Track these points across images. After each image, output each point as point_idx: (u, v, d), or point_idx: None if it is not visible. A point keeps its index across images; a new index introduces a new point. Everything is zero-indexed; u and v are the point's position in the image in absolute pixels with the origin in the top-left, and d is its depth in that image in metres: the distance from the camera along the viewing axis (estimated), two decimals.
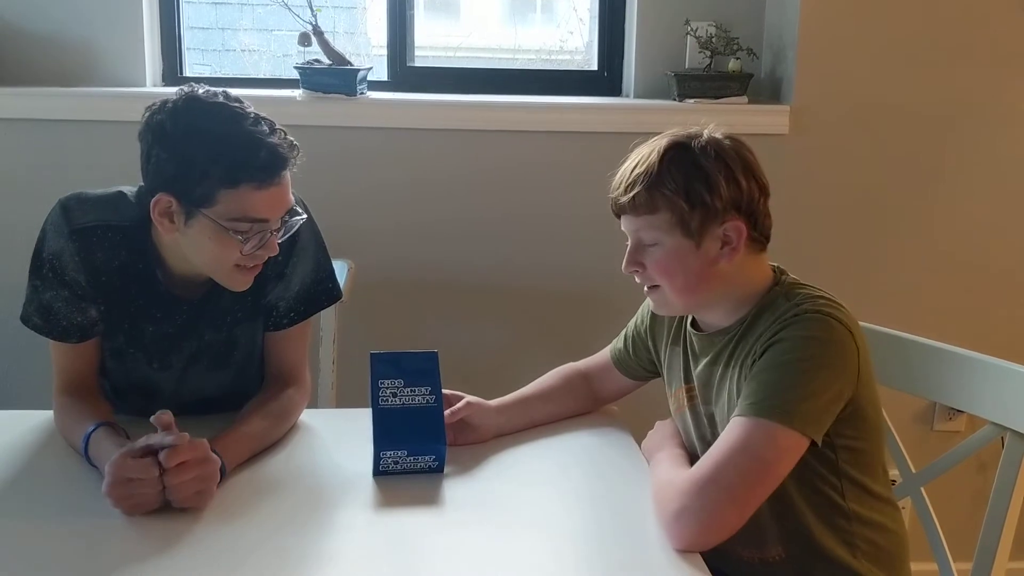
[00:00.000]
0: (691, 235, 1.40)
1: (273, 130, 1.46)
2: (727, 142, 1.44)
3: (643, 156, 1.44)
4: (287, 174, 1.49)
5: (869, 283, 2.43)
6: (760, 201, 1.44)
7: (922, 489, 1.68)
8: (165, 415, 1.36)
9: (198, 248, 1.49)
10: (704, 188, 1.39)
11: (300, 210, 1.55)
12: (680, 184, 1.39)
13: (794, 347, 1.35)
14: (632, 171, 1.43)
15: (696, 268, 1.42)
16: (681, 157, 1.41)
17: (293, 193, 1.56)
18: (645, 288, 1.49)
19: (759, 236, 1.45)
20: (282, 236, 1.53)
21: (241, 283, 1.54)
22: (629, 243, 1.47)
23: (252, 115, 1.46)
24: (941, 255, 2.47)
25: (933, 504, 1.66)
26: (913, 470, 1.69)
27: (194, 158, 1.42)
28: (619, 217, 1.48)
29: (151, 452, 1.34)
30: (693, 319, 1.54)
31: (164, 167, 1.45)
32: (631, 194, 1.42)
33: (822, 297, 1.42)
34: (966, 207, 2.45)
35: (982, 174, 2.43)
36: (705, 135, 1.44)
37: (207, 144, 1.42)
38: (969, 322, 2.43)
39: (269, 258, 1.56)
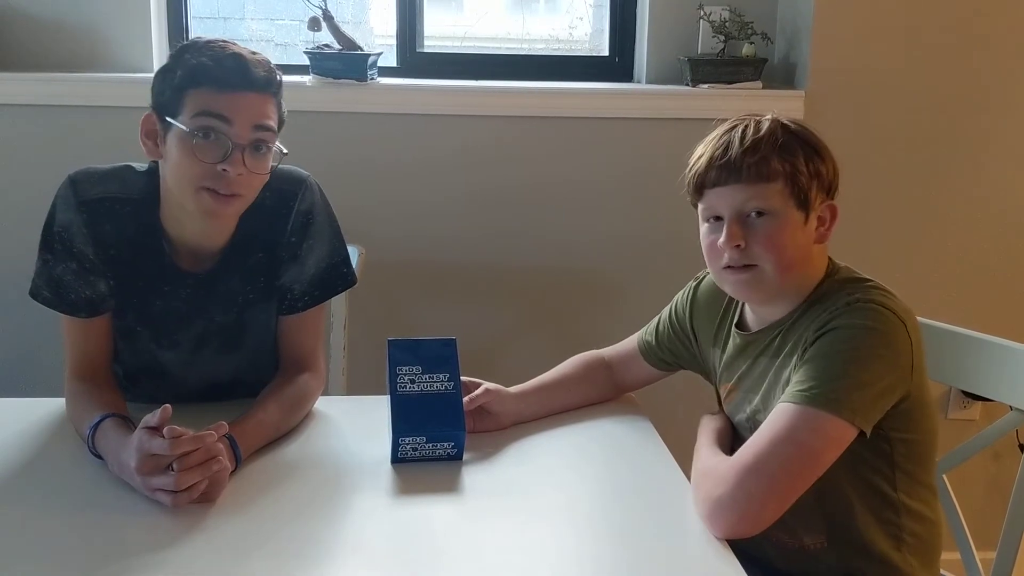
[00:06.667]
0: (804, 207, 1.38)
1: (254, 55, 1.50)
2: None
3: (754, 127, 1.39)
4: (261, 97, 1.48)
5: (883, 269, 2.37)
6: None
7: (944, 476, 1.66)
8: (165, 411, 1.33)
9: (172, 167, 1.49)
10: (819, 160, 1.40)
11: (278, 143, 1.52)
12: (801, 153, 1.38)
13: (847, 336, 1.32)
14: (749, 137, 1.38)
15: (802, 243, 1.39)
16: (793, 131, 1.41)
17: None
18: (730, 271, 1.40)
19: None
20: (256, 163, 1.48)
21: (214, 210, 1.49)
22: (726, 219, 1.39)
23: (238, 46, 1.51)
24: (955, 241, 2.45)
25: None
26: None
27: (170, 68, 1.51)
28: (702, 192, 1.41)
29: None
30: (740, 318, 1.52)
31: (152, 87, 1.52)
32: (754, 157, 1.36)
33: (877, 287, 1.39)
34: (980, 193, 2.43)
35: (997, 160, 2.41)
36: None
37: (183, 58, 1.50)
38: (988, 309, 2.42)
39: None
